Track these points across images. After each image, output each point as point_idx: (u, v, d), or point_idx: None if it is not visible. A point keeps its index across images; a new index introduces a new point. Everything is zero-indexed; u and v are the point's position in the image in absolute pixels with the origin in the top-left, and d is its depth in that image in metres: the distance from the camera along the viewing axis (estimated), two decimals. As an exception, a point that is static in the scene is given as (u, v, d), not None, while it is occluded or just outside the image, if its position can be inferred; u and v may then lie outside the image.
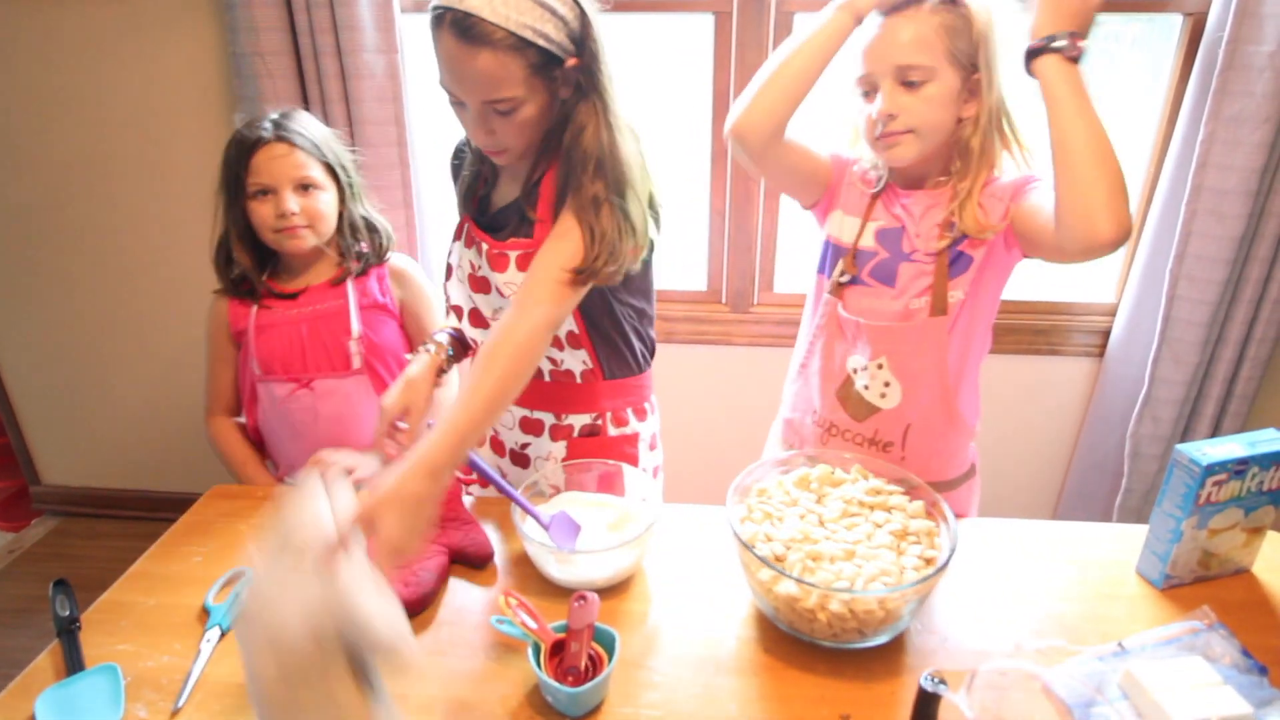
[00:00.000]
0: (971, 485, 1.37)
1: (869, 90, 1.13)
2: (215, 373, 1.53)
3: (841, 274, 1.23)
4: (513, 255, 1.17)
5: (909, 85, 1.09)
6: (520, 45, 0.98)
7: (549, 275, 1.06)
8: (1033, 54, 1.01)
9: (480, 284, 1.24)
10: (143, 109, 2.08)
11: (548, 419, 1.30)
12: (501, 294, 1.20)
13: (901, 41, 1.08)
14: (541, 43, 0.99)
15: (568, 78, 1.05)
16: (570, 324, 1.20)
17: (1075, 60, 1.00)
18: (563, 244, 1.06)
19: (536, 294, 1.06)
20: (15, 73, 2.08)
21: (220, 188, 1.40)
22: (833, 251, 1.26)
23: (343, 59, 1.84)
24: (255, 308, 1.45)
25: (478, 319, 1.27)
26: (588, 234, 1.06)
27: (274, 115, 1.39)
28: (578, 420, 1.30)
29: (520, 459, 1.34)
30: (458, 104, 1.06)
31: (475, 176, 1.25)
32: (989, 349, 1.27)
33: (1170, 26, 1.87)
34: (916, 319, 1.18)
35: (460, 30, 0.96)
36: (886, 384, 1.22)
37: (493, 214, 1.22)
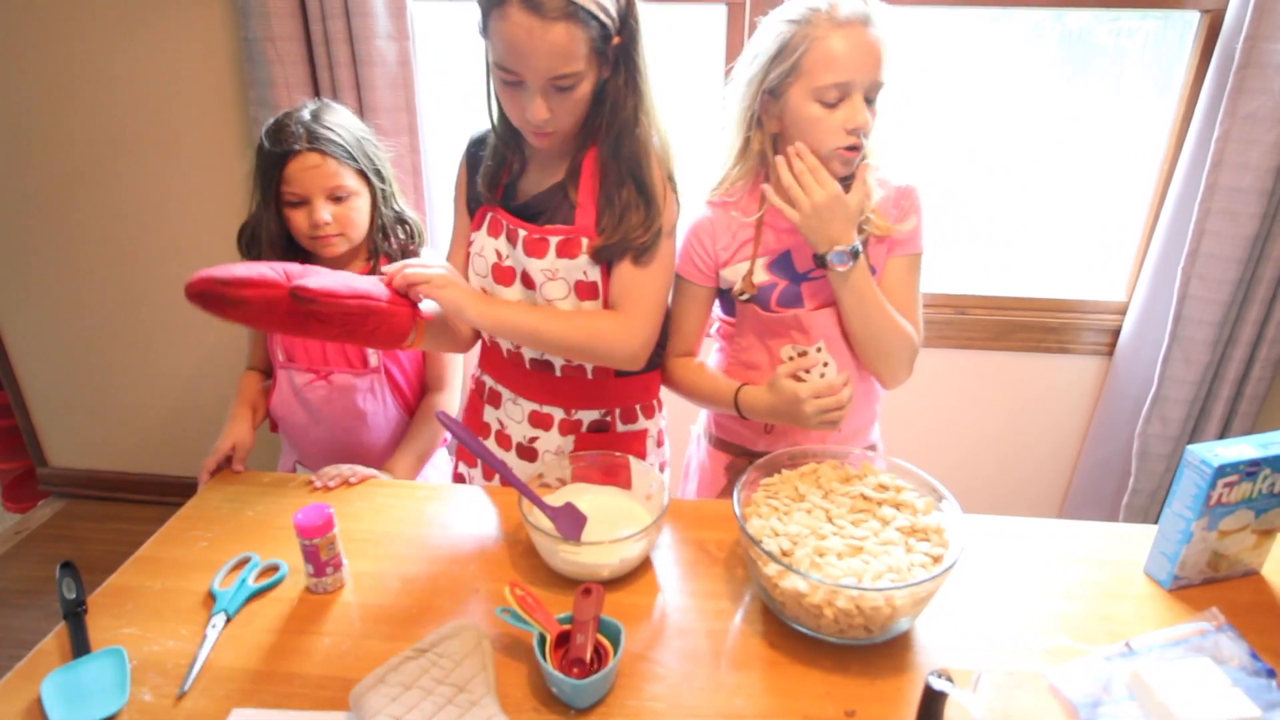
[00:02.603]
0: (869, 419, 1.41)
1: (840, 100, 1.11)
2: (253, 334, 1.57)
3: (741, 293, 1.25)
4: (553, 240, 1.17)
5: (869, 102, 1.13)
6: (587, 18, 1.00)
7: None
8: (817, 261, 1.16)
9: (505, 274, 1.22)
10: (153, 94, 2.08)
11: (557, 413, 1.30)
12: (531, 282, 1.19)
13: (873, 57, 1.10)
14: (603, 16, 1.01)
15: (611, 55, 1.07)
16: None
17: (850, 262, 1.15)
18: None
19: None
20: (26, 58, 2.07)
21: (255, 186, 1.39)
22: (732, 293, 1.27)
23: (354, 45, 1.83)
24: None
25: None
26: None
27: (306, 114, 1.36)
28: (587, 415, 1.30)
29: (528, 453, 1.34)
30: (515, 84, 1.05)
31: (501, 164, 1.23)
32: None
33: (1186, 23, 1.85)
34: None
35: (532, 5, 0.97)
36: (826, 364, 1.26)
37: (524, 202, 1.22)
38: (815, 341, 1.25)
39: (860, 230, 1.18)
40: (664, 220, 1.16)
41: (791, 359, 1.26)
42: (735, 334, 1.32)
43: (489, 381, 1.36)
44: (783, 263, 1.23)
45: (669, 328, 1.32)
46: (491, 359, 1.35)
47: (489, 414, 1.37)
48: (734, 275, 1.25)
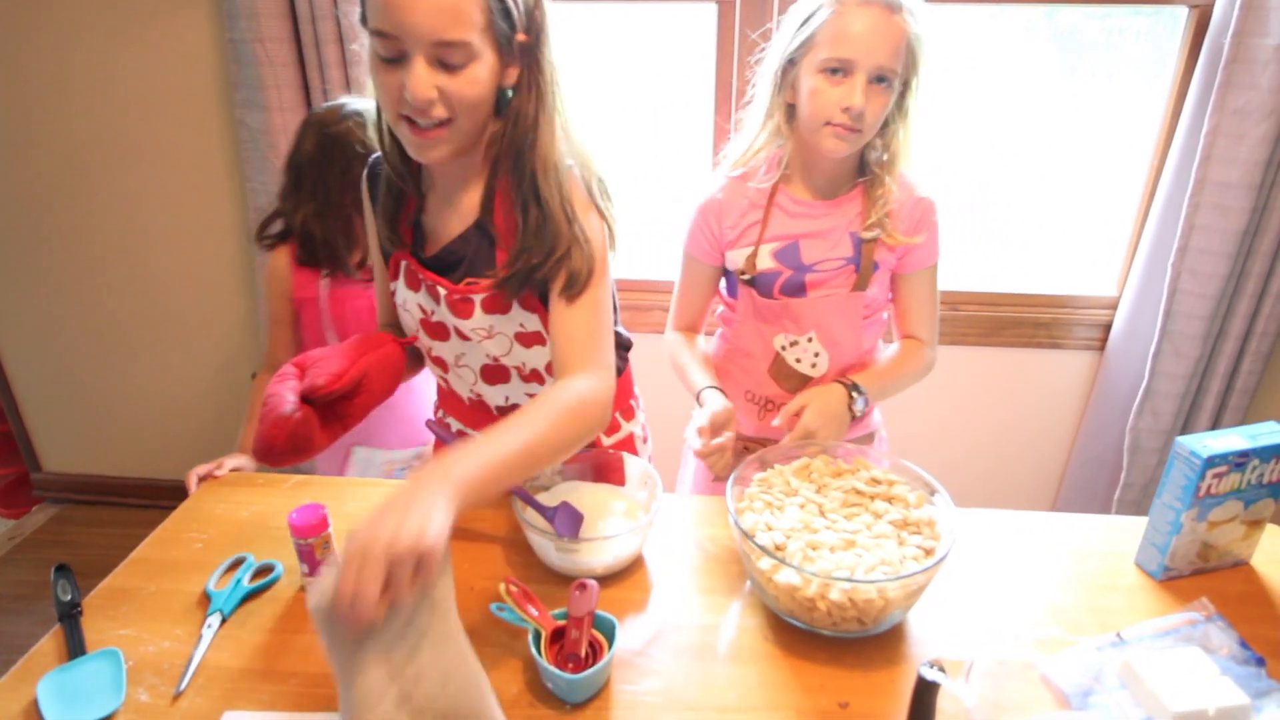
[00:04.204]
0: (877, 442, 1.46)
1: (841, 71, 1.11)
2: (274, 335, 1.54)
3: (742, 273, 1.26)
4: (477, 299, 1.04)
5: (877, 86, 1.12)
6: None
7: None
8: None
9: (437, 330, 1.11)
10: (140, 97, 2.08)
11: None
12: (465, 337, 1.09)
13: (890, 42, 1.09)
14: None
15: (514, 54, 0.93)
16: None
17: (864, 401, 1.23)
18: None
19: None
20: (11, 61, 2.07)
21: (317, 163, 1.39)
22: (735, 275, 1.30)
23: (344, 46, 1.83)
24: (327, 280, 1.46)
25: (440, 364, 1.18)
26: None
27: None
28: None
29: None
30: (394, 60, 0.88)
31: (400, 199, 1.09)
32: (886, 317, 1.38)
33: (1175, 19, 1.86)
34: (838, 295, 1.25)
35: None
36: (817, 354, 1.28)
37: (437, 254, 1.07)
38: (806, 331, 1.26)
39: (868, 230, 1.21)
40: (591, 247, 1.00)
41: (784, 349, 1.27)
42: (734, 319, 1.35)
43: (455, 424, 1.27)
44: (790, 252, 1.24)
45: (674, 301, 1.35)
46: (452, 403, 1.25)
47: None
48: (739, 258, 1.26)
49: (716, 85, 1.98)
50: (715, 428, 1.15)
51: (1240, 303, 1.85)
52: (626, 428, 1.33)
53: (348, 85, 1.87)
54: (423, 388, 1.49)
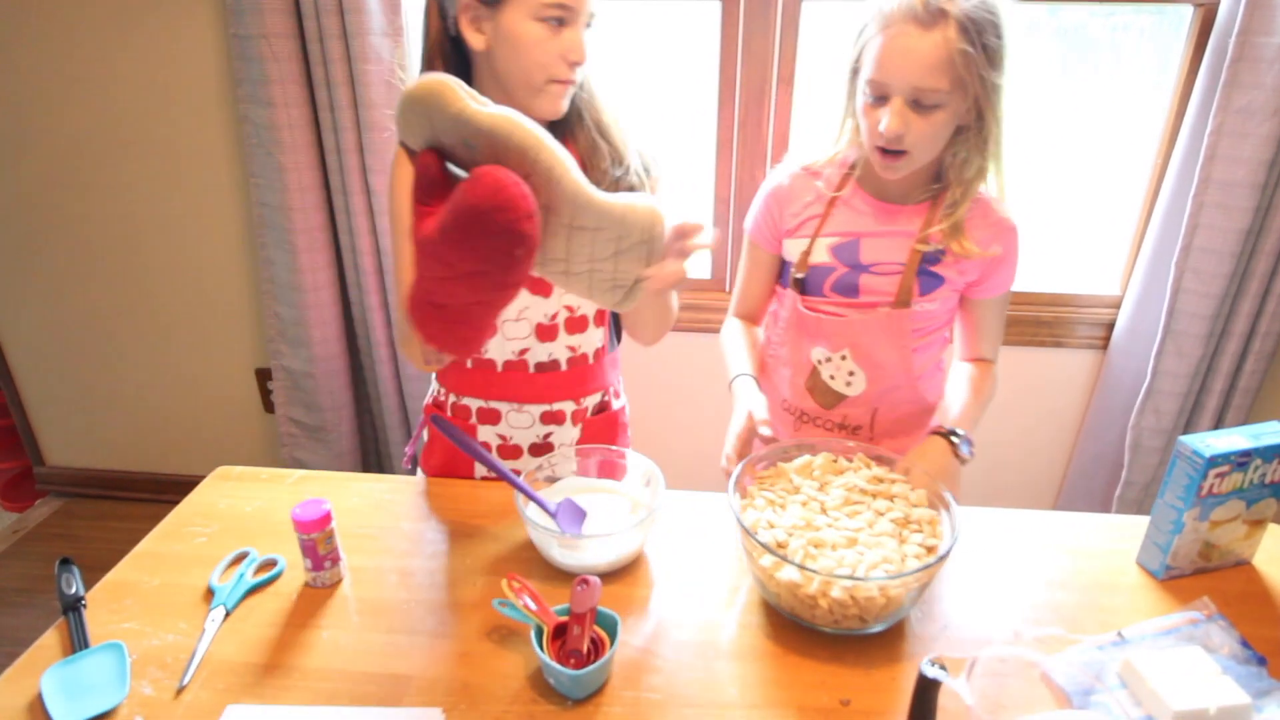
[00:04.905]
0: None
1: (879, 97, 1.07)
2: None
3: (797, 271, 1.25)
4: None
5: (920, 107, 1.05)
6: None
7: None
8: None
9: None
10: (145, 93, 2.08)
11: (568, 407, 1.28)
12: (539, 290, 1.20)
13: (923, 62, 1.01)
14: None
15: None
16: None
17: (970, 449, 1.17)
18: None
19: None
20: (16, 58, 2.08)
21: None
22: (791, 268, 1.28)
23: (348, 41, 1.83)
24: None
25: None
26: None
27: None
28: (591, 401, 1.30)
29: (542, 449, 1.30)
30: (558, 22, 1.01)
31: None
32: (948, 335, 1.33)
33: (1180, 18, 1.86)
34: (877, 312, 1.20)
35: None
36: (851, 373, 1.25)
37: None
38: (841, 349, 1.23)
39: (922, 242, 1.17)
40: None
41: (820, 362, 1.26)
42: (775, 327, 1.33)
43: (476, 404, 1.29)
44: (849, 249, 1.21)
45: (736, 287, 1.36)
46: (477, 381, 1.27)
47: (485, 433, 1.30)
48: (795, 249, 1.25)
49: (720, 84, 1.98)
50: (740, 454, 1.14)
51: (1243, 302, 1.85)
52: (623, 397, 1.38)
53: (352, 81, 1.87)
54: None
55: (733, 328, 1.37)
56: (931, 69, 1.01)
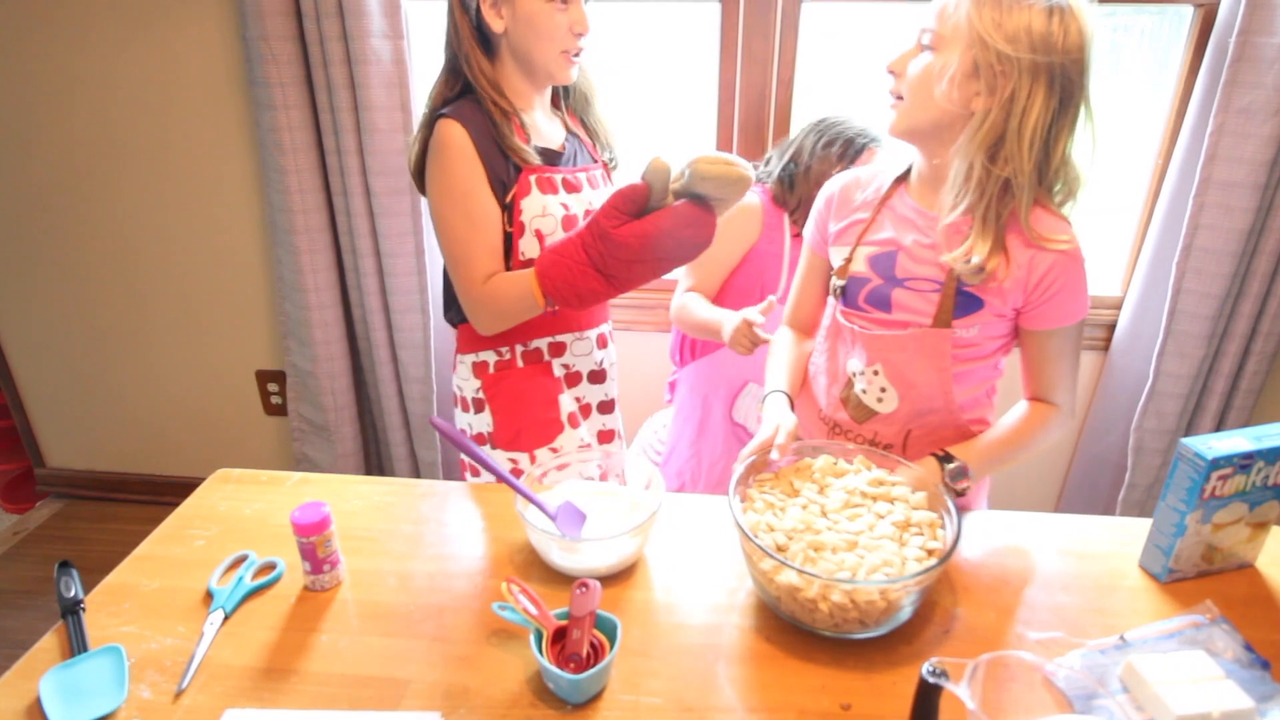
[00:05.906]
0: (979, 487, 1.35)
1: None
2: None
3: (837, 278, 1.22)
4: (597, 174, 1.40)
5: (923, 49, 1.05)
6: None
7: None
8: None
9: (572, 223, 1.32)
10: (154, 94, 2.08)
11: (606, 329, 1.50)
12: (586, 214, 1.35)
13: (941, 4, 1.02)
14: None
15: None
16: None
17: (968, 479, 1.11)
18: None
19: None
20: (26, 58, 2.08)
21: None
22: (834, 274, 1.25)
23: (349, 44, 1.83)
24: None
25: None
26: None
27: None
28: (608, 326, 1.51)
29: (598, 375, 1.49)
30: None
31: (508, 129, 1.27)
32: (1003, 365, 1.24)
33: (1181, 18, 1.85)
34: (912, 329, 1.15)
35: None
36: (883, 389, 1.21)
37: (550, 156, 1.33)
38: (874, 363, 1.20)
39: (953, 257, 1.08)
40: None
41: (855, 375, 1.23)
42: (820, 332, 1.31)
43: (546, 342, 1.42)
44: (885, 261, 1.16)
45: (790, 294, 1.37)
46: (547, 321, 1.39)
47: (566, 401, 1.44)
48: (837, 256, 1.23)
49: (719, 85, 1.98)
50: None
51: (1245, 303, 1.84)
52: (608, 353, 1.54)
53: (352, 84, 1.87)
54: None
55: (780, 340, 1.34)
56: (939, 11, 1.02)
